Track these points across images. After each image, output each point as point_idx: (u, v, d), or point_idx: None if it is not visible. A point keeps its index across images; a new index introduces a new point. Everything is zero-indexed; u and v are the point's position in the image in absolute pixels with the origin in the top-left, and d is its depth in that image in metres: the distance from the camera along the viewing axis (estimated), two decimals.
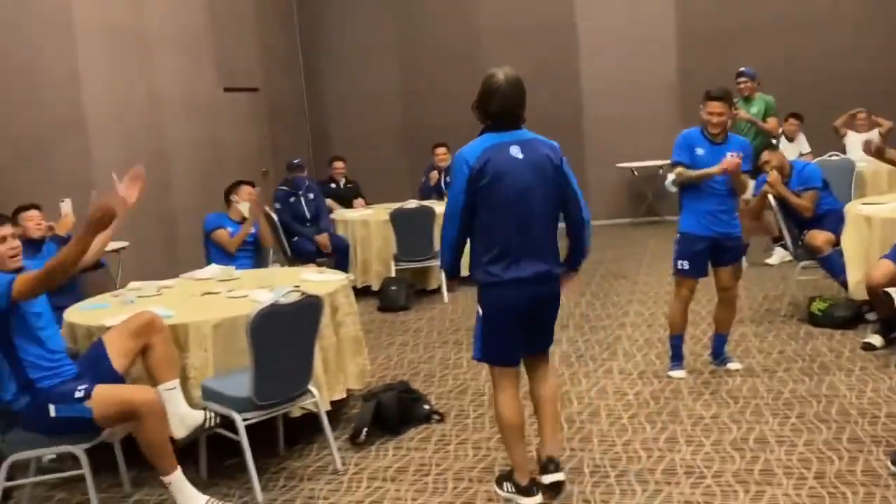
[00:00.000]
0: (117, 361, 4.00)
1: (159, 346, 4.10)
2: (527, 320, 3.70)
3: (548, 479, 3.82)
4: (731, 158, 4.93)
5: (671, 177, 5.30)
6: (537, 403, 3.92)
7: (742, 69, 8.73)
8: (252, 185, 6.94)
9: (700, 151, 5.13)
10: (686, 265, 5.21)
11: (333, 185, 9.59)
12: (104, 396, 3.75)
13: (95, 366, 3.97)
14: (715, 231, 5.14)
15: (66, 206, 6.02)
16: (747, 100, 8.60)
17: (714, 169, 5.01)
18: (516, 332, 3.70)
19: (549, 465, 3.83)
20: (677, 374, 5.37)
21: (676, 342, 5.43)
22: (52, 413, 3.72)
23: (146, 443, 3.79)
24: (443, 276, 5.33)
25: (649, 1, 11.53)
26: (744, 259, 5.47)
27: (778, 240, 8.02)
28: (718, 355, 5.48)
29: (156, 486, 4.28)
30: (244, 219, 6.78)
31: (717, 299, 5.41)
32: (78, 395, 3.73)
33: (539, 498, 3.76)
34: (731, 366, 5.38)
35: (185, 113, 9.51)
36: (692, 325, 6.35)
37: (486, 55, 12.01)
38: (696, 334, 6.13)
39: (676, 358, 5.43)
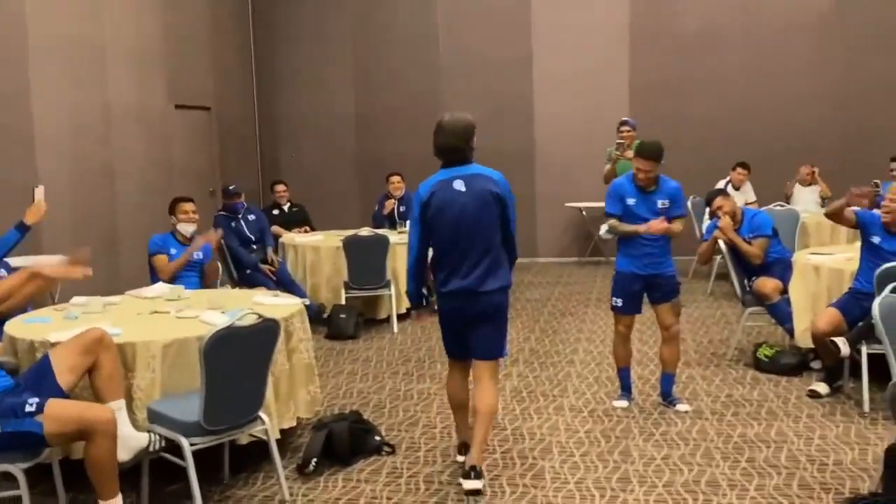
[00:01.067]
0: (63, 378, 3.84)
1: (108, 364, 3.95)
2: (460, 326, 4.36)
3: (468, 485, 4.22)
4: (655, 224, 5.13)
5: (604, 227, 5.47)
6: (473, 413, 4.38)
7: (625, 119, 9.31)
8: (190, 200, 6.70)
9: (631, 201, 5.31)
10: (620, 302, 5.41)
11: (277, 212, 9.44)
12: (59, 412, 3.58)
13: (39, 381, 3.80)
14: (647, 271, 5.31)
15: (40, 192, 5.74)
16: (629, 147, 8.95)
17: (640, 228, 5.21)
18: (454, 334, 4.44)
19: (470, 472, 4.23)
20: (620, 403, 5.52)
21: (622, 374, 5.63)
22: None
23: (95, 463, 3.63)
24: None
25: (605, 45, 11.72)
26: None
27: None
28: (667, 395, 5.56)
29: None
30: (189, 239, 6.59)
31: (661, 338, 5.52)
32: (29, 409, 3.56)
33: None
34: (680, 407, 5.43)
35: (135, 128, 9.33)
36: (641, 364, 6.41)
37: (444, 88, 12.13)
38: (645, 374, 6.16)
39: (624, 389, 5.63)
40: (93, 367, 3.95)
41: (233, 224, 8.09)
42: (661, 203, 5.29)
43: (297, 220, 9.41)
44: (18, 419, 3.54)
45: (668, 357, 5.52)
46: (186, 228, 6.57)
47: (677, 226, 5.29)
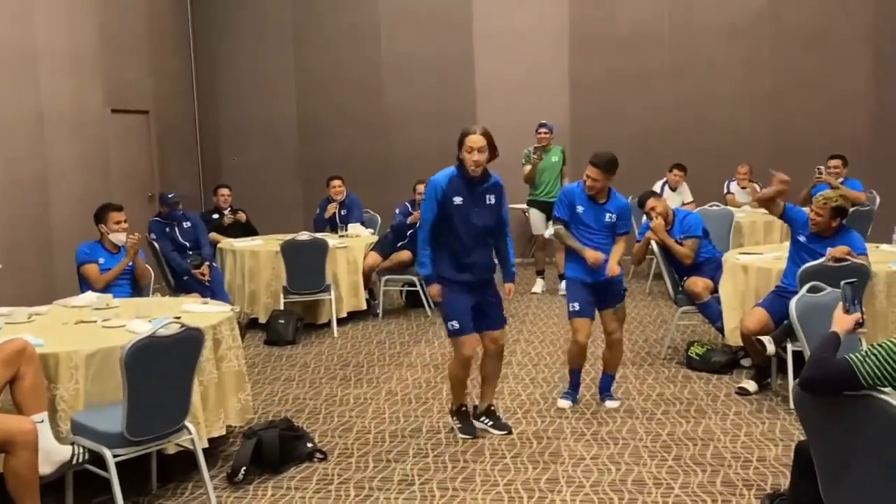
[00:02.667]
0: None
1: (30, 375, 3.88)
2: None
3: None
4: (595, 258, 5.23)
5: (551, 230, 5.55)
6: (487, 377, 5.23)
7: (543, 122, 9.52)
8: (120, 209, 6.47)
9: (580, 209, 5.38)
10: (577, 306, 5.41)
11: (217, 216, 9.33)
12: None
13: None
14: (596, 278, 5.37)
15: None
16: (545, 149, 9.35)
17: (586, 255, 5.28)
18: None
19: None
20: (564, 403, 5.58)
21: (574, 374, 5.67)
22: None
23: (15, 476, 3.58)
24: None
25: (543, 47, 11.80)
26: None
27: (541, 272, 9.74)
28: (603, 392, 5.66)
29: None
30: (118, 248, 6.45)
31: (605, 342, 5.57)
32: None
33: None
34: (609, 403, 5.53)
35: (70, 133, 9.16)
36: None
37: (385, 88, 12.12)
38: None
39: (572, 387, 5.67)
40: (14, 379, 3.88)
41: (167, 230, 7.99)
42: (608, 216, 5.35)
43: (237, 233, 9.24)
44: None
45: (609, 359, 5.63)
46: (118, 237, 6.39)
47: (619, 250, 5.39)
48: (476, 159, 4.76)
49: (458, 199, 4.80)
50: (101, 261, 6.33)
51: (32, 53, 8.57)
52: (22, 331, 4.52)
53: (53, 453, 3.86)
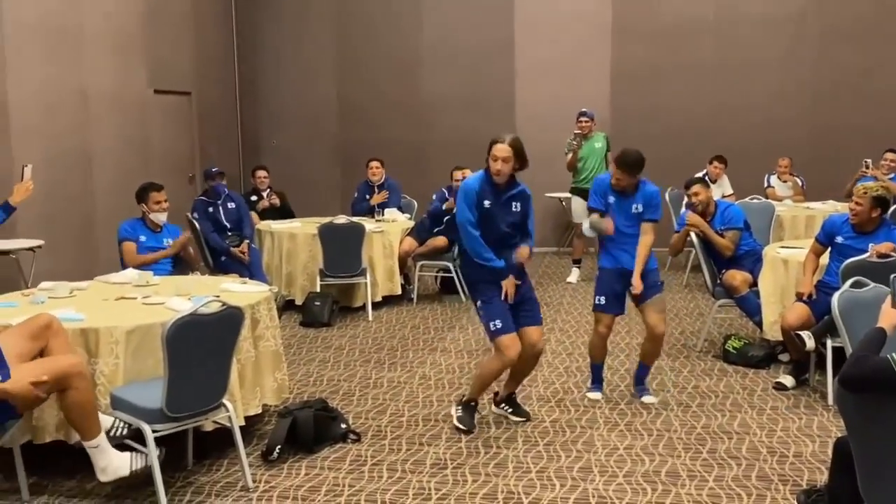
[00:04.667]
0: (13, 364, 3.82)
1: (57, 349, 3.96)
2: None
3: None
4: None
5: (587, 223, 5.52)
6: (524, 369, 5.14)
7: (583, 110, 9.41)
8: (160, 188, 6.57)
9: (611, 199, 5.36)
10: (603, 300, 5.39)
11: (255, 198, 9.37)
12: (26, 375, 3.62)
13: None
14: (630, 268, 5.31)
15: (28, 171, 5.71)
16: (586, 137, 9.28)
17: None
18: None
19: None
20: (594, 395, 5.56)
21: (596, 368, 5.65)
22: None
23: (78, 406, 3.73)
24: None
25: (586, 34, 11.72)
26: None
27: (578, 261, 9.63)
28: (639, 383, 5.61)
29: (55, 494, 4.14)
30: (160, 227, 6.54)
31: (647, 335, 5.51)
32: None
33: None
34: (646, 399, 5.48)
35: (113, 113, 9.27)
36: (611, 355, 6.43)
37: (427, 73, 12.12)
38: (614, 365, 6.20)
39: (596, 381, 5.64)
40: (42, 353, 3.95)
41: (210, 210, 8.05)
42: (634, 208, 5.31)
43: (274, 216, 9.28)
44: None
45: (648, 351, 5.54)
46: (159, 217, 6.49)
47: (647, 241, 5.30)
48: (498, 168, 4.76)
49: (487, 202, 4.80)
50: (143, 238, 6.43)
51: (78, 33, 8.68)
52: (64, 306, 4.60)
53: None
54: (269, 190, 9.51)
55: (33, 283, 6.56)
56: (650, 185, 5.41)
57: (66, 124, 8.51)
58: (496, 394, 5.25)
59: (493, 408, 5.22)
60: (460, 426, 4.96)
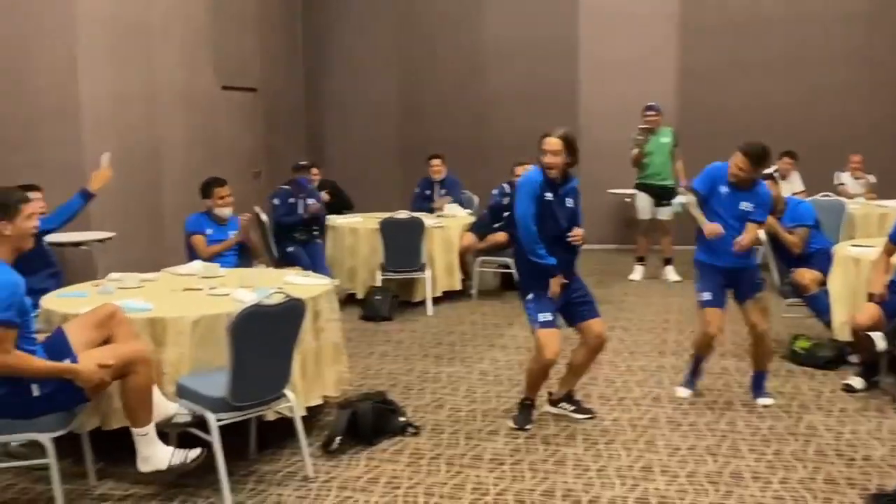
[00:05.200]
0: (79, 352, 3.93)
1: (120, 339, 4.05)
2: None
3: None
4: (712, 230, 5.08)
5: (682, 198, 5.35)
6: (583, 365, 5.12)
7: (650, 104, 9.27)
8: (224, 183, 6.67)
9: (723, 190, 5.17)
10: (709, 295, 5.23)
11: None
12: (95, 358, 3.75)
13: (59, 354, 3.89)
14: (727, 262, 5.17)
15: (106, 159, 5.90)
16: (652, 131, 9.12)
17: (704, 227, 5.14)
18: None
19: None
20: (682, 392, 5.47)
21: (698, 362, 5.49)
22: (36, 392, 3.66)
23: (137, 391, 3.83)
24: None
25: (653, 29, 11.58)
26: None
27: (642, 258, 9.48)
28: (756, 390, 5.40)
29: (122, 480, 4.24)
30: (226, 220, 6.66)
31: (750, 337, 5.38)
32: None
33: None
34: (761, 401, 5.31)
35: (181, 109, 9.46)
36: (675, 355, 6.37)
37: (488, 70, 12.10)
38: (678, 365, 6.10)
39: (693, 375, 5.51)
40: (107, 342, 4.05)
41: (290, 200, 8.13)
42: (743, 205, 5.14)
43: (329, 210, 9.35)
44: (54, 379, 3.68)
45: (757, 355, 5.37)
46: (223, 212, 6.61)
47: (752, 234, 5.15)
48: (548, 161, 4.72)
49: (548, 195, 4.76)
50: (209, 232, 6.55)
51: (147, 29, 8.87)
52: (133, 296, 4.71)
53: (161, 406, 4.03)
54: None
55: (104, 274, 6.72)
56: (765, 187, 5.26)
57: (136, 119, 8.71)
58: (550, 393, 5.21)
59: (550, 408, 5.17)
60: (513, 425, 4.94)
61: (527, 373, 5.03)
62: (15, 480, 4.27)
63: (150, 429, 3.91)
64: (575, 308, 4.92)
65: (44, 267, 5.53)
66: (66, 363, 3.75)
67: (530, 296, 4.86)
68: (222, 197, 6.60)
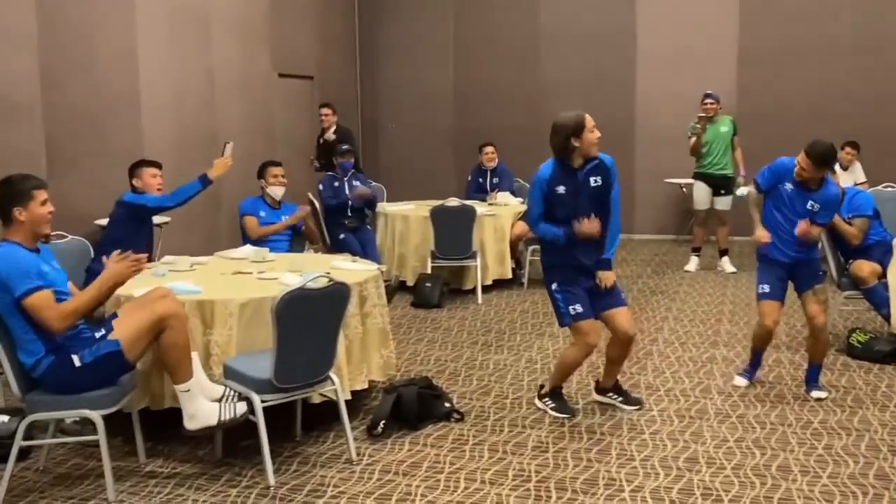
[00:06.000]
0: None
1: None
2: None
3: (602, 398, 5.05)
4: (760, 236, 5.12)
5: (744, 190, 5.33)
6: (620, 355, 5.02)
7: (709, 92, 9.05)
8: (278, 164, 6.88)
9: (788, 187, 5.07)
10: (767, 288, 5.16)
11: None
12: (126, 319, 3.91)
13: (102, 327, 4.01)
14: (789, 257, 5.10)
15: (229, 149, 6.09)
16: (711, 120, 8.91)
17: (755, 230, 5.19)
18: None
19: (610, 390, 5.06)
20: (739, 381, 5.43)
21: (756, 354, 5.44)
22: (77, 363, 3.79)
23: (174, 347, 3.92)
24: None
25: (711, 16, 11.35)
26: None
27: (697, 249, 9.33)
28: (811, 382, 5.29)
29: (170, 458, 4.34)
30: (279, 204, 6.79)
31: (808, 329, 5.30)
32: (99, 335, 3.88)
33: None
34: (815, 394, 5.19)
35: (238, 96, 9.59)
36: (727, 346, 6.27)
37: (543, 59, 12.01)
38: (729, 356, 6.01)
39: (752, 366, 5.47)
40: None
41: (335, 184, 8.20)
42: (810, 204, 5.02)
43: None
44: (94, 346, 3.83)
45: (813, 348, 5.25)
46: (276, 191, 6.78)
47: (815, 231, 5.06)
48: (599, 135, 4.64)
49: (561, 189, 4.64)
50: (262, 214, 6.77)
51: (205, 17, 8.99)
52: (183, 279, 4.80)
53: (207, 389, 4.10)
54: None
55: (160, 257, 6.87)
56: (834, 187, 5.11)
57: (193, 106, 8.84)
58: (597, 381, 5.17)
59: (597, 396, 5.13)
60: (560, 414, 4.90)
61: (560, 363, 4.97)
62: (68, 456, 4.40)
63: (192, 384, 3.96)
64: (600, 297, 4.79)
65: (144, 240, 5.70)
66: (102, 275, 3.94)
67: (554, 285, 4.76)
68: (276, 175, 6.81)
